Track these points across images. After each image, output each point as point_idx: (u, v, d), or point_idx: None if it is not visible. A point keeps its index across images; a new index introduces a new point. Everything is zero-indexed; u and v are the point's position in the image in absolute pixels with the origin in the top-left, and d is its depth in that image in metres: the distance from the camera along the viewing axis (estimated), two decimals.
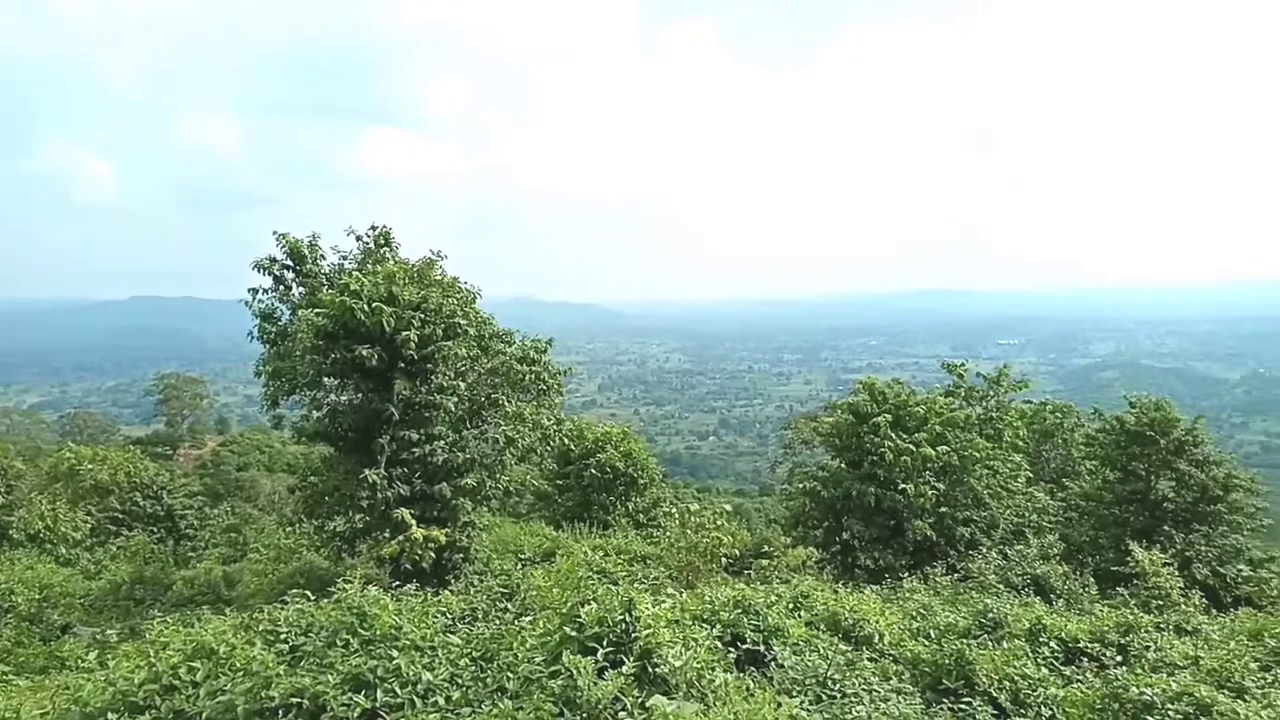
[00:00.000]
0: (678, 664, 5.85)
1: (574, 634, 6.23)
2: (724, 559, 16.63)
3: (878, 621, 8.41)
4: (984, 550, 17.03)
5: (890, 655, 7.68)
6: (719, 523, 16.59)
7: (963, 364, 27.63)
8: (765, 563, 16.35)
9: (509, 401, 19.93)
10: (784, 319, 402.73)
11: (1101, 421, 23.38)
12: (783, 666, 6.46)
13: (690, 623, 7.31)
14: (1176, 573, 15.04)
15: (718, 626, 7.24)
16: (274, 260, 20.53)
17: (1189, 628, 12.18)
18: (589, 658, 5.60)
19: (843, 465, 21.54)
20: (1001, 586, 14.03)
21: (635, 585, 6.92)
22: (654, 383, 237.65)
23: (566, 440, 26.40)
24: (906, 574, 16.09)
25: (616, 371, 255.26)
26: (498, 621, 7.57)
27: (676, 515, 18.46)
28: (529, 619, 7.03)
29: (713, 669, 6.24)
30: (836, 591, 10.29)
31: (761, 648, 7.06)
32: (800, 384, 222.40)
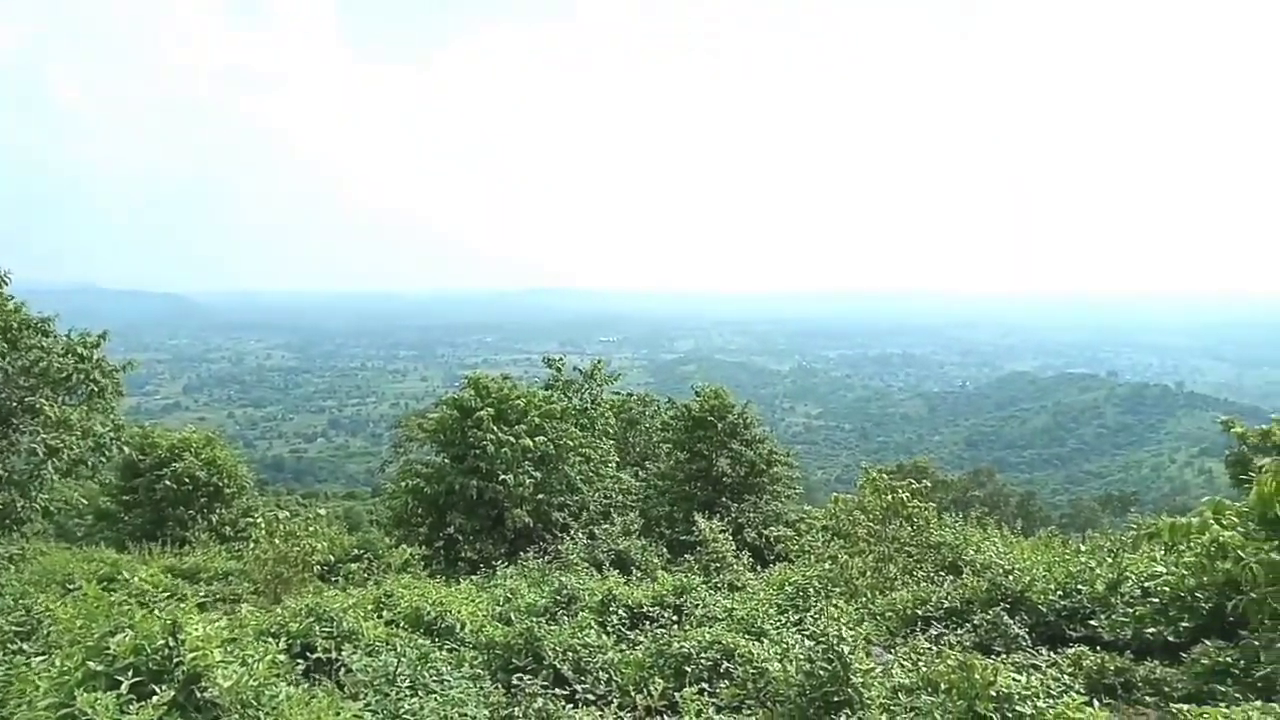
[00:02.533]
0: (227, 684, 5.38)
1: (101, 668, 5.43)
2: (318, 566, 15.78)
3: (460, 611, 8.57)
4: (573, 532, 18.20)
5: (470, 643, 7.86)
6: (312, 529, 15.70)
7: (561, 359, 29.30)
8: (355, 566, 15.79)
9: (50, 406, 16.83)
10: (399, 314, 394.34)
11: (674, 409, 26.38)
12: (351, 671, 6.27)
13: (253, 638, 6.78)
14: (731, 538, 17.31)
15: (284, 638, 6.82)
16: None
17: (739, 584, 14.15)
18: (110, 693, 4.91)
19: (447, 460, 21.64)
20: (587, 564, 15.05)
21: (182, 605, 6.23)
22: (252, 382, 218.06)
23: (128, 449, 23.05)
24: (504, 561, 16.60)
25: (206, 370, 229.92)
26: (6, 666, 6.33)
27: (262, 525, 17.09)
28: (42, 659, 5.99)
29: (274, 684, 5.85)
30: (424, 587, 10.28)
31: (334, 654, 6.80)
32: (416, 381, 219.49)
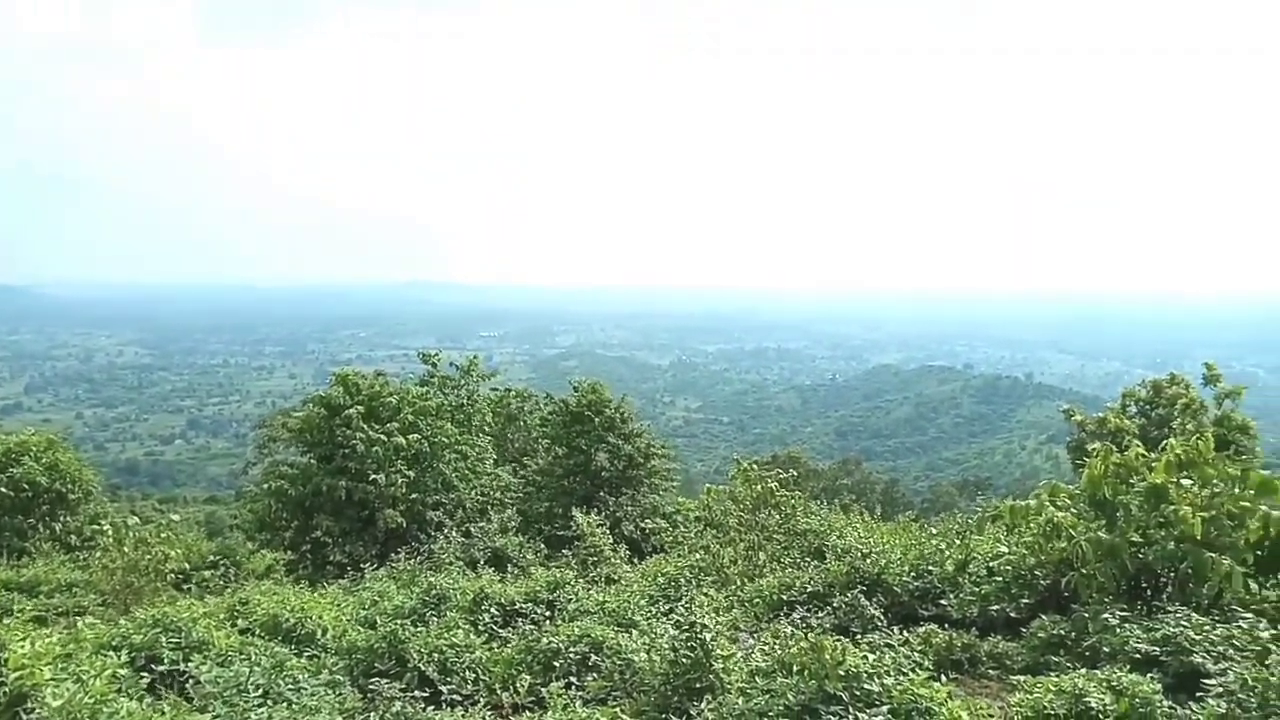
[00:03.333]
0: (57, 704, 5.04)
1: None
2: (173, 575, 14.95)
3: (322, 616, 8.29)
4: (448, 531, 17.92)
5: (331, 649, 7.63)
6: (165, 535, 14.87)
7: (437, 354, 28.75)
8: (209, 574, 15.05)
9: None
10: (264, 307, 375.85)
11: (552, 404, 26.32)
12: (200, 682, 5.98)
13: (92, 653, 6.37)
14: (608, 531, 17.44)
15: (126, 651, 6.44)
16: None
17: (615, 577, 14.26)
18: None
19: (313, 461, 20.90)
20: (462, 563, 14.84)
21: (8, 622, 5.77)
22: (103, 381, 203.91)
23: None
24: (374, 563, 16.17)
25: (51, 368, 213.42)
26: None
27: (110, 532, 16.04)
28: None
29: (113, 700, 5.52)
30: (283, 593, 9.89)
31: (181, 666, 6.46)
32: (284, 378, 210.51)
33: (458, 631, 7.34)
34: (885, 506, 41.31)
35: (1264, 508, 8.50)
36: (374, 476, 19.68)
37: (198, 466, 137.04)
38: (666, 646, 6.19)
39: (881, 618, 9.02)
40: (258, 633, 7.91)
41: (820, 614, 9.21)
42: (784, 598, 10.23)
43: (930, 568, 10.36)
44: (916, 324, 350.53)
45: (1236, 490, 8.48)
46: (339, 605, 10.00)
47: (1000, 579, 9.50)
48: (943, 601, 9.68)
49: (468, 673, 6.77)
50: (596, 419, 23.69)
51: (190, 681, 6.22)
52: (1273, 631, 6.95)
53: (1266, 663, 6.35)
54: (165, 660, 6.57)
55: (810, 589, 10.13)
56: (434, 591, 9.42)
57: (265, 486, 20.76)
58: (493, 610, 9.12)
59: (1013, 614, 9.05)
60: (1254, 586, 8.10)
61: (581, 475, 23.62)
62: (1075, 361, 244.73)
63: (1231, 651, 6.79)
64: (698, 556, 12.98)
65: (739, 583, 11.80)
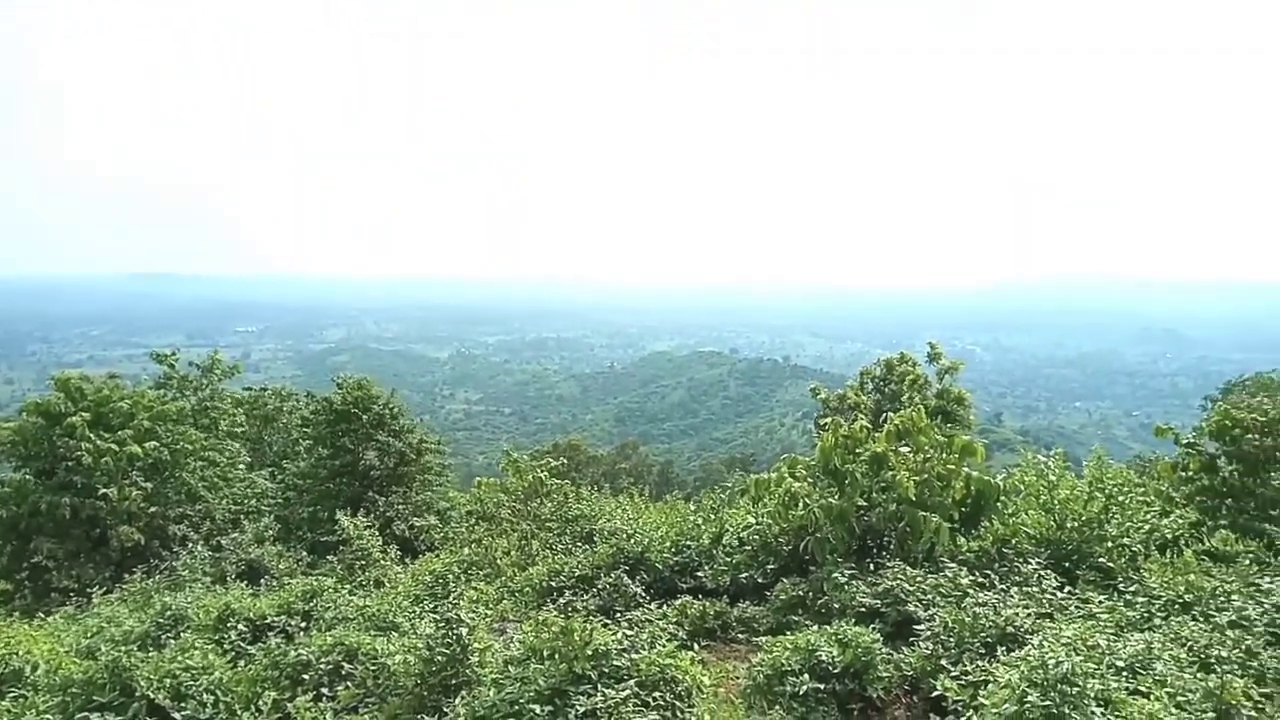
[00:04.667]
0: None
1: None
2: None
3: (30, 651, 7.34)
4: (193, 545, 16.47)
5: (43, 686, 6.78)
6: None
7: (173, 354, 26.20)
8: None
9: None
10: None
11: (315, 403, 24.77)
12: None
13: None
14: (379, 533, 16.76)
15: None
16: None
17: (384, 580, 13.74)
18: None
19: (30, 476, 18.44)
20: (209, 579, 13.72)
21: None
22: None
23: None
24: (108, 587, 14.55)
25: None
26: None
27: None
28: None
29: None
30: None
31: None
32: None
33: (194, 653, 6.77)
34: (660, 487, 43.03)
35: (966, 469, 9.78)
36: (104, 490, 17.69)
37: None
38: (423, 646, 6.08)
39: (643, 594, 9.39)
40: None
41: (586, 596, 9.44)
42: (553, 584, 10.39)
43: (689, 542, 10.94)
44: (685, 313, 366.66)
45: (944, 455, 9.68)
46: (58, 636, 8.92)
47: (749, 548, 10.22)
48: (699, 573, 10.25)
49: (205, 696, 6.26)
50: (364, 416, 22.59)
51: None
52: (972, 578, 8.02)
53: (963, 605, 7.31)
54: None
55: (578, 573, 10.35)
56: (169, 612, 8.64)
57: None
58: (240, 627, 8.51)
59: (760, 580, 9.76)
60: (960, 540, 9.29)
61: (349, 476, 22.43)
62: (825, 344, 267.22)
63: (938, 599, 7.75)
64: (468, 551, 12.87)
65: (510, 573, 11.83)
